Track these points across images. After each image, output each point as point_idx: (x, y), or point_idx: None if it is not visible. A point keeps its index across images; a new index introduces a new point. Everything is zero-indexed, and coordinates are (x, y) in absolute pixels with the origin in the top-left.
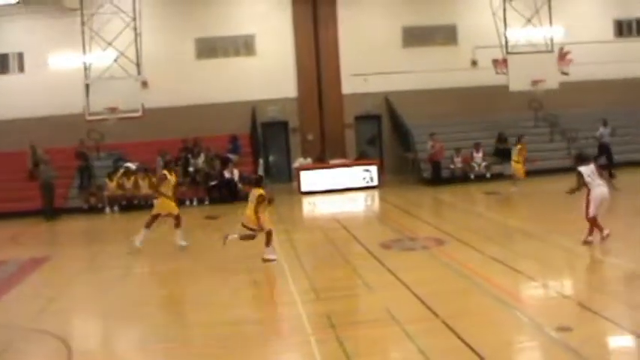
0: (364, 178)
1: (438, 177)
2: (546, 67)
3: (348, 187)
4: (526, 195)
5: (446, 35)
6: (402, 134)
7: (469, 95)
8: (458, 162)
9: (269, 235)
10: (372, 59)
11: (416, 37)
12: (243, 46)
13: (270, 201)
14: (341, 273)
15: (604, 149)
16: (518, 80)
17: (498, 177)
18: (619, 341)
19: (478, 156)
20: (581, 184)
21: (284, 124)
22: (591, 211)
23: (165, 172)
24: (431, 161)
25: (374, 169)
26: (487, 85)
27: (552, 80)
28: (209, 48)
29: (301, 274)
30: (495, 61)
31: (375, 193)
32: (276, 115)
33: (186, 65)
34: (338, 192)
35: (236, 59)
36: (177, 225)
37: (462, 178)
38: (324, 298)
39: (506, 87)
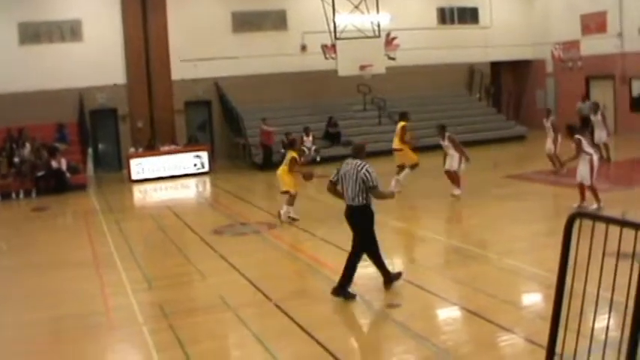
0: (195, 164)
1: (269, 162)
2: (374, 53)
3: (179, 173)
4: None
5: (276, 20)
6: (232, 119)
7: (299, 80)
8: None
9: (293, 196)
10: (202, 45)
11: (246, 22)
12: (69, 31)
13: (308, 177)
14: (173, 261)
15: (586, 122)
16: (346, 65)
17: (328, 160)
18: (444, 313)
19: (308, 140)
20: (579, 152)
21: (113, 112)
22: (593, 179)
23: (403, 122)
24: (262, 146)
25: (205, 154)
26: (317, 70)
27: (379, 65)
28: (33, 33)
29: (133, 263)
30: (324, 47)
31: (207, 178)
32: (105, 103)
33: (8, 51)
34: (169, 179)
35: (62, 45)
36: (413, 167)
37: None
38: (156, 287)
39: (335, 72)
